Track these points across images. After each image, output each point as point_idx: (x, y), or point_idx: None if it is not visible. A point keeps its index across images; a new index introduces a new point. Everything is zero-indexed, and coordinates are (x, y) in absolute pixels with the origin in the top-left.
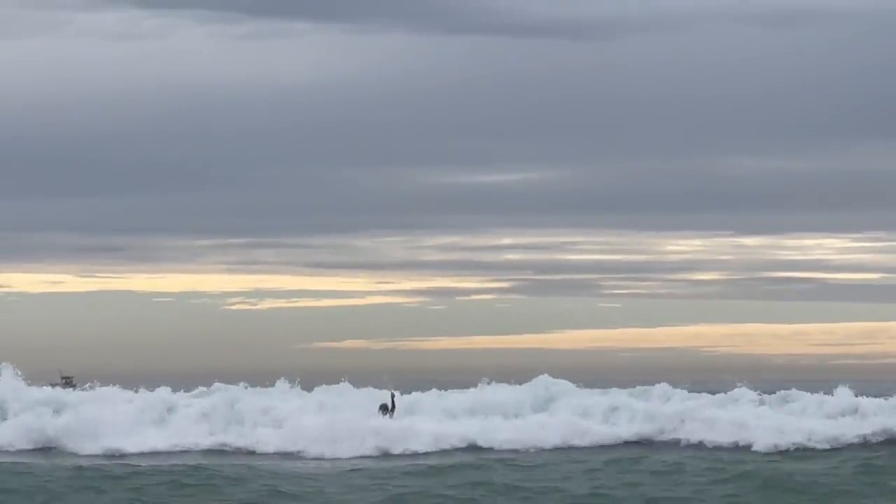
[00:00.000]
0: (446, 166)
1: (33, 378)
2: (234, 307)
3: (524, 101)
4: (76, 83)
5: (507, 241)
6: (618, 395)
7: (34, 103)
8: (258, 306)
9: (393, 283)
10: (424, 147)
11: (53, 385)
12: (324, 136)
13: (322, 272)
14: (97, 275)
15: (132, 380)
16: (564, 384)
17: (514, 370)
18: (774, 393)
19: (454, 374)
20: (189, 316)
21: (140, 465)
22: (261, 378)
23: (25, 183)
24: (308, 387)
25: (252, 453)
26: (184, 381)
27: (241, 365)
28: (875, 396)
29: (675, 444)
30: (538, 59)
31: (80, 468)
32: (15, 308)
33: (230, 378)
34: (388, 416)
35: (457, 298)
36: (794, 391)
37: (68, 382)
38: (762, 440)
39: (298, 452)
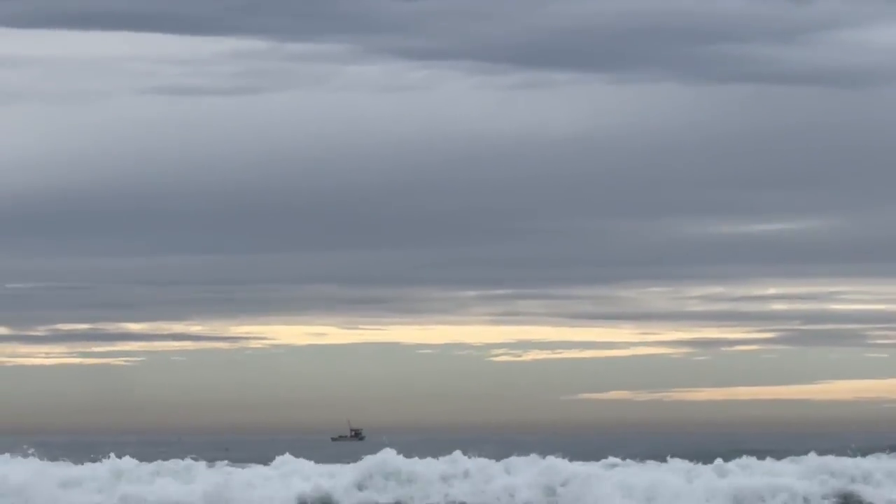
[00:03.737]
0: (711, 216)
1: (317, 429)
2: (497, 359)
3: (791, 150)
4: (343, 136)
5: (772, 290)
6: None
7: (301, 156)
8: (522, 357)
9: (657, 333)
10: (689, 197)
11: (342, 437)
12: (588, 187)
13: (586, 323)
14: (360, 326)
15: (410, 432)
16: None
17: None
18: None
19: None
20: (452, 368)
21: None
22: (528, 430)
23: (289, 235)
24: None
25: None
26: (459, 432)
27: (506, 417)
28: None
29: None
30: (807, 109)
31: None
32: (281, 360)
33: (498, 430)
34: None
35: (721, 349)
36: None
37: (357, 434)
38: None
39: None
